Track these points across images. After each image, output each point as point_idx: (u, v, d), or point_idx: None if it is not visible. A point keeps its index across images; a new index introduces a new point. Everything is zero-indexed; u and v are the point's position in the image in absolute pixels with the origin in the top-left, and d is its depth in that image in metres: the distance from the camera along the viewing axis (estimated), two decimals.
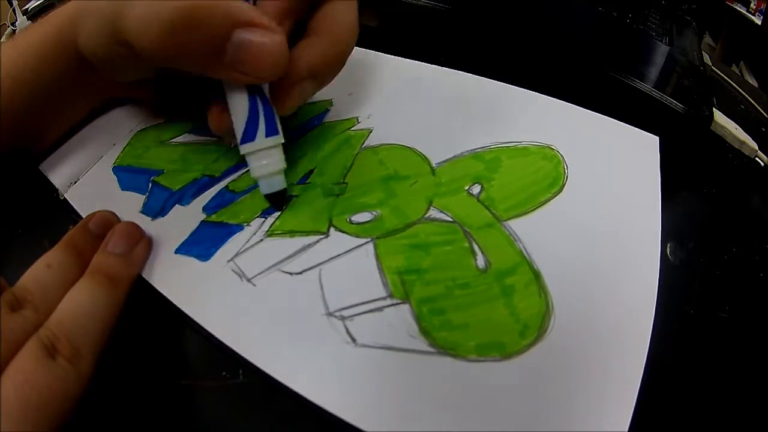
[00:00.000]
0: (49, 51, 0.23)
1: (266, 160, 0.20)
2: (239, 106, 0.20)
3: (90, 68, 0.23)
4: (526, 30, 0.34)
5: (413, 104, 0.26)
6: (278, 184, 0.21)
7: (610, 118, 0.26)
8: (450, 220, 0.21)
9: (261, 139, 0.20)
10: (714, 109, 0.28)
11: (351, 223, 0.21)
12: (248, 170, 0.24)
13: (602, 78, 0.30)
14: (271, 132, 0.20)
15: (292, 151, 0.25)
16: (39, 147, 0.25)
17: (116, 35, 0.19)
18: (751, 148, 0.28)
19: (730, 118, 0.28)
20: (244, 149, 0.20)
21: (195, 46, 0.18)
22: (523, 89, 0.27)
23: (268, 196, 0.22)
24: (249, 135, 0.20)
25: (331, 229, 0.21)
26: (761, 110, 0.35)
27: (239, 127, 0.20)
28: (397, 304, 0.19)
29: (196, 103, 0.24)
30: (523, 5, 0.37)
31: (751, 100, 0.36)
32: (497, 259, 0.20)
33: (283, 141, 0.21)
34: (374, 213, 0.22)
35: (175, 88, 0.26)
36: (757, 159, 0.28)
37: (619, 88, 0.29)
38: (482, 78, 0.28)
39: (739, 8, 0.52)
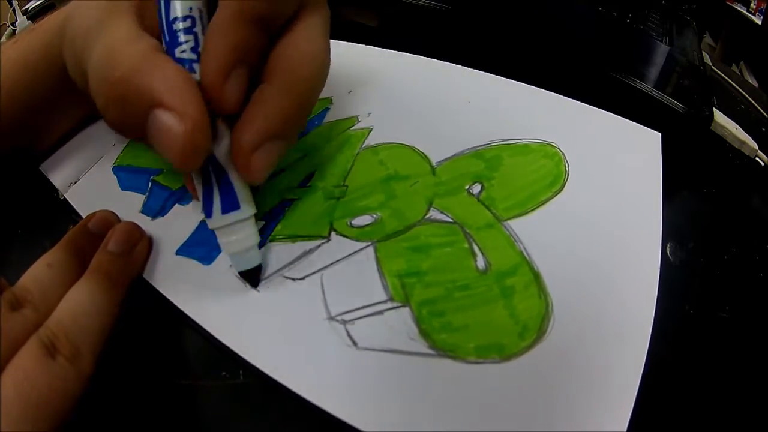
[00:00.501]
0: (40, 65, 0.22)
1: (234, 236, 0.19)
2: (196, 181, 0.18)
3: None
4: (527, 30, 0.34)
5: (413, 101, 0.26)
6: (252, 260, 0.19)
7: (612, 114, 0.26)
8: (450, 220, 0.21)
9: (218, 216, 0.18)
10: (714, 109, 0.28)
11: (352, 226, 0.21)
12: None
13: (602, 78, 0.30)
14: (228, 207, 0.18)
15: (292, 152, 0.25)
16: (38, 148, 0.25)
17: (83, 76, 0.18)
18: (751, 148, 0.28)
19: (730, 118, 0.28)
20: (209, 225, 0.19)
21: (126, 121, 0.17)
22: (524, 84, 0.27)
23: (242, 274, 0.20)
24: (206, 211, 0.18)
25: (332, 233, 0.21)
26: (761, 110, 0.35)
27: (200, 205, 0.18)
28: (398, 307, 0.19)
29: None
30: (524, 6, 0.37)
31: (751, 100, 0.36)
32: (497, 260, 0.20)
33: (250, 214, 0.19)
34: (375, 216, 0.21)
35: None
36: (757, 159, 0.28)
37: (619, 88, 0.29)
38: (483, 73, 0.28)
39: (739, 8, 0.52)
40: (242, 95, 0.17)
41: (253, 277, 0.20)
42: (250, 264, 0.19)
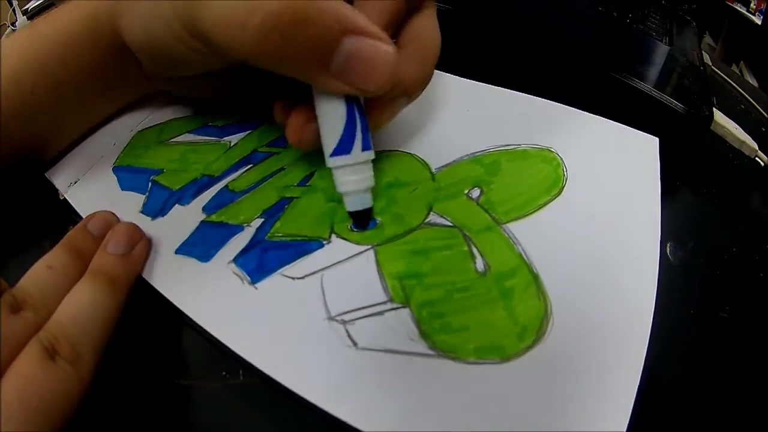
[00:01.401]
0: (81, 40, 0.21)
1: (357, 175, 0.19)
2: (334, 116, 0.18)
3: (131, 61, 0.21)
4: (527, 30, 0.34)
5: (413, 109, 0.26)
6: (366, 201, 0.20)
7: (610, 120, 0.26)
8: (449, 224, 0.21)
9: (357, 153, 0.19)
10: (714, 109, 0.28)
11: (352, 230, 0.21)
12: (248, 170, 0.24)
13: (602, 78, 0.30)
14: (366, 146, 0.19)
15: (292, 152, 0.25)
16: (53, 151, 0.25)
17: (192, 29, 0.17)
18: (751, 148, 0.28)
19: (730, 118, 0.28)
20: (334, 162, 0.19)
21: (299, 50, 0.16)
22: (522, 93, 0.27)
23: (353, 214, 0.20)
24: (343, 148, 0.18)
25: (333, 236, 0.21)
26: (761, 110, 0.35)
27: (332, 139, 0.18)
28: (398, 308, 0.19)
29: (261, 102, 0.23)
30: (524, 6, 0.37)
31: (751, 100, 0.36)
32: (496, 263, 0.20)
33: (373, 157, 0.19)
34: (375, 220, 0.22)
35: (240, 86, 0.25)
36: (757, 159, 0.28)
37: (619, 88, 0.29)
38: (480, 83, 0.28)
39: (739, 8, 0.52)
40: None
41: (364, 217, 0.21)
42: (364, 205, 0.20)
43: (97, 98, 0.25)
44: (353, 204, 0.20)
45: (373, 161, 0.20)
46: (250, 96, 0.26)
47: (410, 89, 0.20)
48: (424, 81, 0.20)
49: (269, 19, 0.15)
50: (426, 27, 0.20)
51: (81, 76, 0.22)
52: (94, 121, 0.26)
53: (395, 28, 0.20)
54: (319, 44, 0.16)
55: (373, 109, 0.19)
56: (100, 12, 0.21)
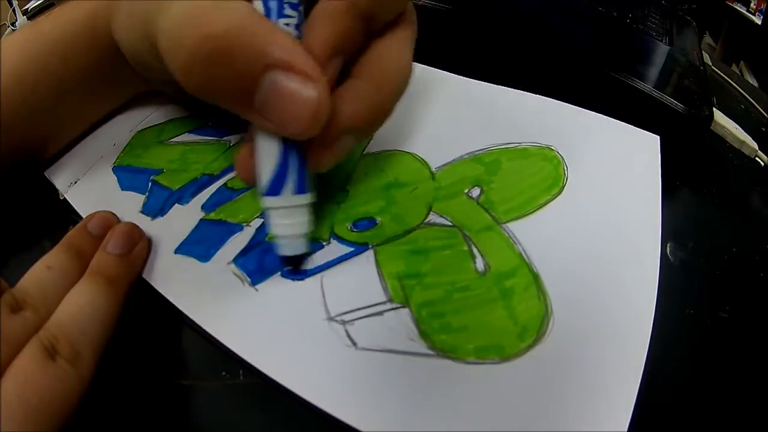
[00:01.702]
0: (80, 39, 0.21)
1: (290, 219, 0.18)
2: (267, 153, 0.17)
3: (126, 61, 0.21)
4: (527, 30, 0.34)
5: (412, 108, 0.26)
6: (298, 247, 0.19)
7: (610, 118, 0.26)
8: (449, 224, 0.21)
9: (288, 196, 0.18)
10: (714, 109, 0.28)
11: (352, 230, 0.21)
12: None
13: (602, 78, 0.30)
14: (300, 189, 0.18)
15: None
16: (53, 149, 0.25)
17: (149, 39, 0.17)
18: (751, 148, 0.28)
19: (730, 118, 0.28)
20: (266, 203, 0.18)
21: (222, 82, 0.15)
22: (521, 91, 0.27)
23: (285, 259, 0.20)
24: (274, 188, 0.18)
25: (332, 237, 0.21)
26: (761, 110, 0.35)
27: (264, 177, 0.18)
28: (397, 308, 0.19)
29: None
30: (524, 5, 0.37)
31: (751, 100, 0.36)
32: (496, 262, 0.20)
33: (313, 200, 0.18)
34: (375, 221, 0.22)
35: None
36: (757, 159, 0.28)
37: (619, 88, 0.29)
38: (480, 82, 0.28)
39: (739, 8, 0.52)
40: (333, 85, 0.17)
41: (296, 263, 0.20)
42: (297, 250, 0.19)
43: (97, 96, 0.25)
44: (284, 249, 0.19)
45: (375, 160, 0.19)
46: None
47: (355, 128, 0.18)
48: (377, 117, 0.18)
49: (194, 49, 0.14)
50: (388, 54, 0.18)
51: (81, 74, 0.22)
52: (93, 119, 0.26)
53: (351, 53, 0.18)
54: (240, 79, 0.15)
55: (313, 149, 0.18)
56: (98, 12, 0.21)
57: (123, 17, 0.19)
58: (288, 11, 0.16)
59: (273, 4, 0.16)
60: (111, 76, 0.23)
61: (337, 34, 0.16)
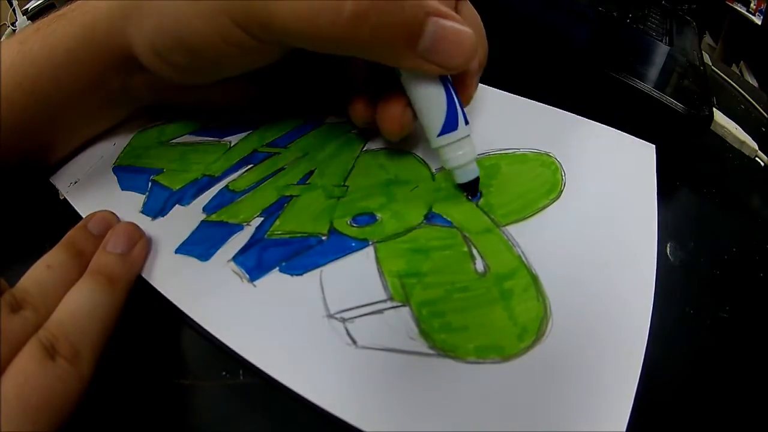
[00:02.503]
0: (75, 57, 0.20)
1: (462, 149, 0.20)
2: (435, 98, 0.19)
3: (135, 74, 0.21)
4: (527, 30, 0.34)
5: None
6: (473, 172, 0.21)
7: (608, 127, 0.26)
8: (449, 225, 0.21)
9: (462, 128, 0.20)
10: (714, 109, 0.28)
11: (352, 225, 0.21)
12: (248, 170, 0.24)
13: (602, 78, 0.30)
14: (466, 120, 0.20)
15: (292, 151, 0.25)
16: (52, 160, 0.25)
17: (257, 26, 0.17)
18: (751, 148, 0.28)
19: (730, 118, 0.28)
20: (442, 141, 0.20)
21: (388, 34, 0.17)
22: (522, 97, 0.27)
23: (464, 185, 0.22)
24: (450, 125, 0.20)
25: (332, 232, 0.21)
26: (761, 110, 0.35)
27: (437, 120, 0.20)
28: (397, 306, 0.19)
29: (307, 98, 0.24)
30: (524, 6, 0.37)
31: (751, 100, 0.36)
32: (496, 264, 0.20)
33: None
34: (375, 217, 0.22)
35: (253, 92, 0.25)
36: (757, 159, 0.28)
37: (619, 88, 0.29)
38: (481, 85, 0.28)
39: (739, 8, 0.52)
40: None
41: (473, 187, 0.22)
42: (472, 175, 0.21)
43: (98, 112, 0.24)
44: (463, 176, 0.21)
45: (375, 157, 0.21)
46: (257, 103, 0.26)
47: (483, 62, 0.22)
48: (486, 55, 0.22)
49: (361, 7, 0.16)
50: (471, 9, 0.22)
51: (78, 93, 0.21)
52: (94, 132, 0.25)
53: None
54: (406, 27, 0.17)
55: (462, 86, 0.21)
56: (99, 25, 0.20)
57: (162, 19, 0.19)
58: None
59: None
60: (115, 92, 0.23)
61: None
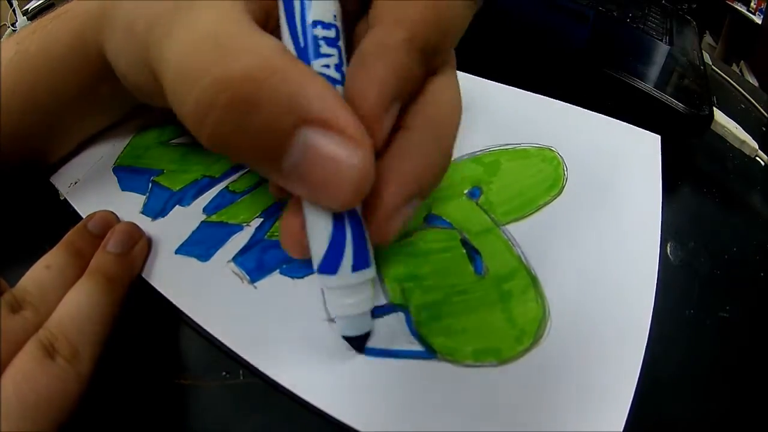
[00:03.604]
0: (68, 63, 0.20)
1: (351, 299, 0.16)
2: (317, 226, 0.15)
3: (119, 80, 0.20)
4: (527, 29, 0.34)
5: None
6: (363, 326, 0.17)
7: (611, 118, 0.26)
8: (448, 226, 0.21)
9: (345, 274, 0.15)
10: (714, 109, 0.28)
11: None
12: (249, 171, 0.24)
13: (602, 78, 0.29)
14: (360, 265, 0.15)
15: None
16: (50, 159, 0.25)
17: (149, 68, 0.15)
18: (752, 147, 0.28)
19: (730, 118, 0.28)
20: (322, 282, 0.16)
21: (242, 138, 0.12)
22: (522, 90, 0.27)
23: (349, 339, 0.17)
24: (329, 266, 0.15)
25: None
26: (761, 110, 0.35)
27: (317, 253, 0.15)
28: (396, 310, 0.19)
29: None
30: (524, 5, 0.37)
31: (751, 99, 0.36)
32: (495, 265, 0.20)
33: (374, 275, 0.16)
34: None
35: None
36: (757, 159, 0.28)
37: (619, 87, 0.29)
38: (481, 79, 0.28)
39: (739, 8, 0.52)
40: (386, 141, 0.14)
41: (360, 343, 0.17)
42: (360, 330, 0.17)
43: (93, 114, 0.24)
44: (346, 329, 0.17)
45: None
46: None
47: (419, 191, 0.15)
48: (440, 171, 0.15)
49: (206, 94, 0.12)
50: (443, 94, 0.15)
51: (73, 97, 0.21)
52: (91, 132, 0.25)
53: (405, 101, 0.15)
54: (266, 136, 0.12)
55: (372, 221, 0.15)
56: (87, 34, 0.19)
57: (118, 36, 0.17)
58: (325, 49, 0.13)
59: (306, 40, 0.13)
60: (106, 96, 0.22)
61: (395, 75, 0.13)
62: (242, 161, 0.14)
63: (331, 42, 0.14)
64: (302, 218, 0.15)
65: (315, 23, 0.13)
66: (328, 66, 0.13)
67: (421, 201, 0.16)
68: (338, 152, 0.12)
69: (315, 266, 0.15)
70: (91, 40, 0.19)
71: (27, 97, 0.20)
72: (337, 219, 0.14)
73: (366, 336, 0.17)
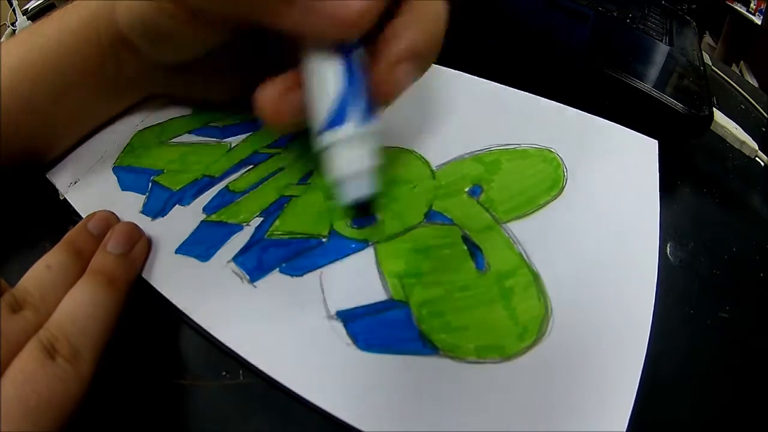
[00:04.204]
0: (79, 42, 0.21)
1: (358, 150, 0.15)
2: (326, 76, 0.15)
3: (130, 58, 0.21)
4: (527, 29, 0.34)
5: (413, 106, 0.26)
6: (366, 187, 0.16)
7: (610, 122, 0.26)
8: (449, 222, 0.21)
9: (353, 123, 0.15)
10: (714, 109, 0.28)
11: (351, 227, 0.21)
12: (249, 171, 0.24)
13: (602, 78, 0.29)
14: (367, 115, 0.15)
15: (291, 150, 0.25)
16: (53, 153, 0.25)
17: None
18: (751, 148, 0.28)
19: (730, 118, 0.28)
20: (328, 138, 0.15)
21: None
22: (523, 92, 0.27)
23: (355, 208, 0.16)
24: (338, 117, 0.15)
25: (332, 233, 0.21)
26: (761, 110, 0.35)
27: (323, 107, 0.15)
28: (398, 307, 0.19)
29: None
30: (524, 5, 0.37)
31: (751, 100, 0.36)
32: (496, 262, 0.20)
33: (379, 129, 0.16)
34: (375, 217, 0.21)
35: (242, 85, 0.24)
36: (757, 159, 0.28)
37: (618, 88, 0.29)
38: (482, 79, 0.28)
39: (739, 8, 0.52)
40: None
41: (363, 210, 0.17)
42: (366, 190, 0.16)
43: (98, 101, 0.25)
44: (350, 191, 0.16)
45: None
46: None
47: (417, 54, 0.16)
48: (433, 46, 0.17)
49: None
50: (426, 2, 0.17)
51: (80, 80, 0.22)
52: (94, 123, 0.26)
53: None
54: None
55: (379, 76, 0.16)
56: (99, 10, 0.21)
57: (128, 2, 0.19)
58: None
59: None
60: (113, 78, 0.23)
61: None
62: (260, 9, 0.15)
63: None
64: (284, 85, 0.16)
65: None
66: None
67: (418, 72, 0.17)
68: None
69: (318, 127, 0.15)
70: (103, 15, 0.20)
71: (36, 80, 0.21)
72: (346, 64, 0.15)
73: (372, 201, 0.16)
